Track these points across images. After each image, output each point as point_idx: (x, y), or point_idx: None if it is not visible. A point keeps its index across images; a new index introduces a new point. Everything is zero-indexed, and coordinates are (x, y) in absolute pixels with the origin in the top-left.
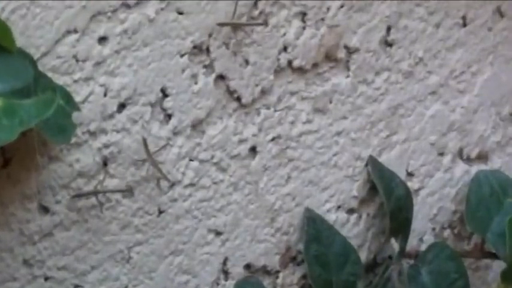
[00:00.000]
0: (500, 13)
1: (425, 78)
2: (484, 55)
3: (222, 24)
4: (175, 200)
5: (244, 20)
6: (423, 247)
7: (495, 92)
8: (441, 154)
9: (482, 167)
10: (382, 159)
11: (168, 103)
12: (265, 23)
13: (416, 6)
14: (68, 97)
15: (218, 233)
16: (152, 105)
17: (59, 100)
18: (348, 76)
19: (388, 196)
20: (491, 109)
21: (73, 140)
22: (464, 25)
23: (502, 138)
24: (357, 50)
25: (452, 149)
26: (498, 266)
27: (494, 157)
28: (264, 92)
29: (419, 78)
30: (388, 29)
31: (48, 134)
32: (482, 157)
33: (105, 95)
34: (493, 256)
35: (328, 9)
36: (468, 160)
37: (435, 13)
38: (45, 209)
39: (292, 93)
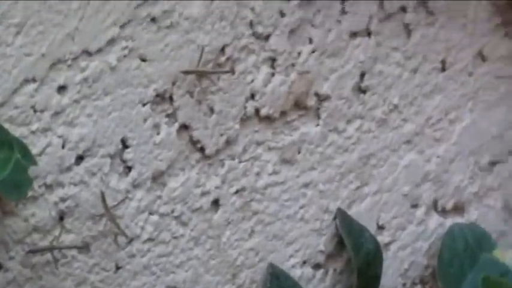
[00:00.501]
0: (482, 57)
1: (400, 126)
2: (463, 101)
3: (186, 72)
4: (133, 256)
5: (210, 67)
6: None
7: (474, 140)
8: (414, 206)
9: (458, 219)
10: (352, 212)
11: (128, 154)
12: (231, 71)
13: (393, 50)
14: (24, 150)
15: None
16: (112, 156)
17: (16, 156)
18: (317, 125)
19: (356, 251)
20: (470, 158)
21: (29, 193)
22: (443, 70)
23: (480, 188)
24: (328, 97)
25: (427, 200)
26: None
27: (471, 209)
28: (229, 142)
29: (393, 126)
30: (362, 74)
31: (2, 191)
32: (458, 209)
33: (63, 146)
34: None
35: (298, 54)
36: (443, 212)
37: (413, 58)
38: None
39: (259, 143)
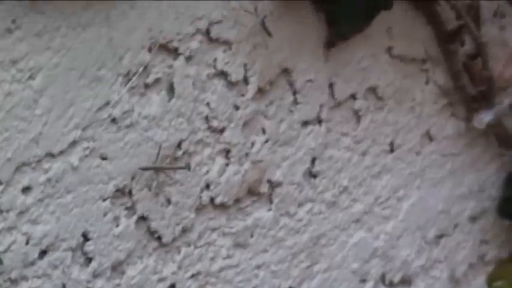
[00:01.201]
0: (429, 137)
1: (350, 207)
2: (411, 179)
3: (144, 169)
4: None
5: (167, 162)
6: None
7: (421, 216)
8: (363, 281)
9: None
10: None
11: (88, 247)
12: (187, 167)
13: (343, 136)
14: None
15: None
16: (73, 249)
17: None
18: (270, 209)
19: None
20: (417, 233)
21: None
22: (392, 151)
23: (427, 261)
24: (280, 184)
25: (375, 275)
26: None
27: (418, 281)
28: (184, 230)
29: (343, 207)
30: (313, 160)
31: None
32: (406, 282)
33: (27, 243)
34: None
35: (252, 144)
36: (390, 285)
37: (362, 142)
38: None
39: (213, 230)
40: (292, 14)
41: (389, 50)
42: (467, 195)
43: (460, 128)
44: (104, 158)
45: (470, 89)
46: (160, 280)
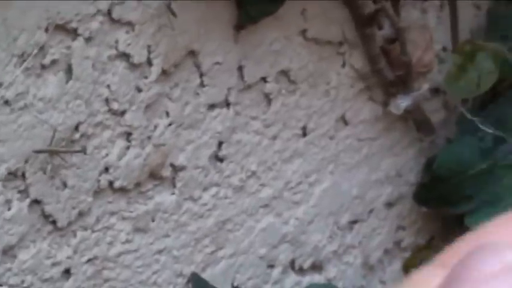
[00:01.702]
0: (344, 121)
1: (258, 191)
2: (324, 164)
3: (38, 152)
4: None
5: (63, 144)
6: None
7: (334, 201)
8: (271, 266)
9: (316, 276)
10: (206, 274)
11: None
12: (83, 150)
13: (252, 119)
14: None
15: None
16: None
17: None
18: (173, 193)
19: None
20: (329, 219)
21: None
22: (304, 135)
23: (339, 247)
24: (183, 168)
25: (284, 260)
26: None
27: (330, 266)
28: (81, 214)
29: (250, 192)
30: (220, 144)
31: None
32: (316, 267)
33: None
34: None
35: (155, 127)
36: (300, 271)
37: (272, 125)
38: None
39: (112, 214)
40: None
41: (303, 32)
42: (384, 181)
43: (378, 112)
44: None
45: (388, 74)
46: (55, 264)
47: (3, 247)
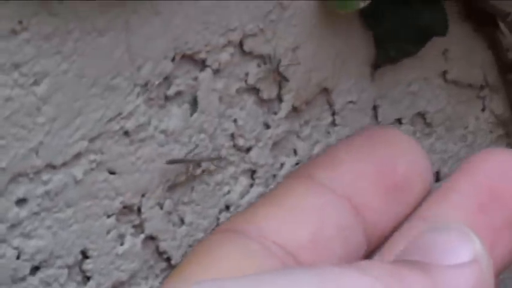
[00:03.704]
0: None
1: None
2: None
3: (172, 162)
4: None
5: (183, 179)
6: None
7: None
8: None
9: None
10: None
11: (87, 265)
12: (221, 157)
13: None
14: None
15: None
16: (70, 267)
17: None
18: None
19: None
20: None
21: None
22: (438, 180)
23: None
24: None
25: None
26: None
27: None
28: None
29: None
30: None
31: None
32: None
33: (18, 257)
34: None
35: (281, 165)
36: None
37: None
38: None
39: None
40: (338, 29)
41: (443, 74)
42: None
43: None
44: (112, 173)
45: None
46: None
47: (113, 283)
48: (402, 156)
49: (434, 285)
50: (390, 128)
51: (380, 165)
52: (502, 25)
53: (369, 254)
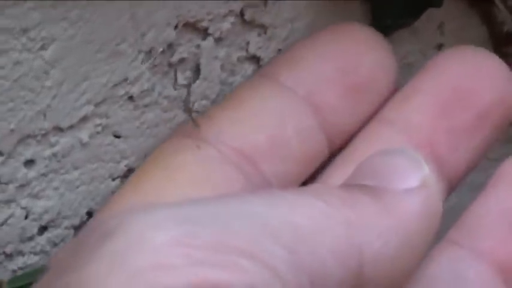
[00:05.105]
0: None
1: None
2: None
3: None
4: None
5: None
6: None
7: None
8: None
9: None
10: None
11: None
12: None
13: None
14: None
15: None
16: (76, 228)
17: None
18: None
19: None
20: None
21: None
22: None
23: None
24: None
25: None
26: None
27: None
28: None
29: None
30: None
31: None
32: None
33: (26, 217)
34: None
35: None
36: None
37: None
38: None
39: None
40: (335, 3)
41: (439, 46)
42: None
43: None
44: (117, 136)
45: None
46: None
47: None
48: (366, 54)
49: (385, 210)
50: (356, 23)
51: (342, 63)
52: (497, 0)
53: (333, 154)
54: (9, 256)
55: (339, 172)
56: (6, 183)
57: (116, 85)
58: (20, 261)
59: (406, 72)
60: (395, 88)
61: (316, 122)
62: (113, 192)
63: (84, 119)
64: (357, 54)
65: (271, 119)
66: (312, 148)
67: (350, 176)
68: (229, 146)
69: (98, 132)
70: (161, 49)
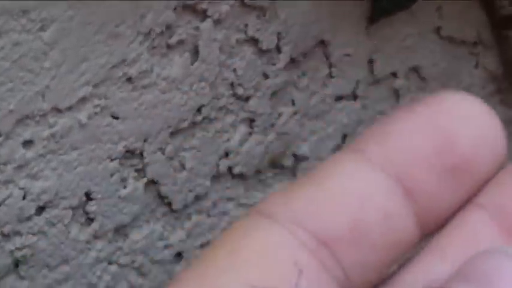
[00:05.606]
0: None
1: None
2: None
3: None
4: None
5: (185, 125)
6: None
7: None
8: None
9: None
10: None
11: (91, 207)
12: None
13: (379, 114)
14: None
15: None
16: (74, 208)
17: None
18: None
19: None
20: None
21: None
22: None
23: None
24: (305, 158)
25: None
26: None
27: None
28: (198, 198)
29: None
30: (344, 137)
31: None
32: None
33: (24, 197)
34: None
35: (279, 115)
36: None
37: None
38: None
39: (229, 200)
40: None
41: (437, 30)
42: None
43: (508, 115)
44: (115, 117)
45: None
46: (167, 247)
47: (115, 225)
48: (467, 130)
49: None
50: (457, 92)
51: (440, 140)
52: None
53: (424, 240)
54: (7, 236)
55: (428, 263)
56: (5, 164)
57: (114, 66)
58: (17, 242)
59: (405, 55)
60: (502, 166)
61: (405, 207)
62: (111, 175)
63: (83, 100)
64: (457, 130)
65: (353, 201)
66: (398, 236)
67: (452, 278)
68: (305, 228)
69: (96, 113)
70: (160, 31)
